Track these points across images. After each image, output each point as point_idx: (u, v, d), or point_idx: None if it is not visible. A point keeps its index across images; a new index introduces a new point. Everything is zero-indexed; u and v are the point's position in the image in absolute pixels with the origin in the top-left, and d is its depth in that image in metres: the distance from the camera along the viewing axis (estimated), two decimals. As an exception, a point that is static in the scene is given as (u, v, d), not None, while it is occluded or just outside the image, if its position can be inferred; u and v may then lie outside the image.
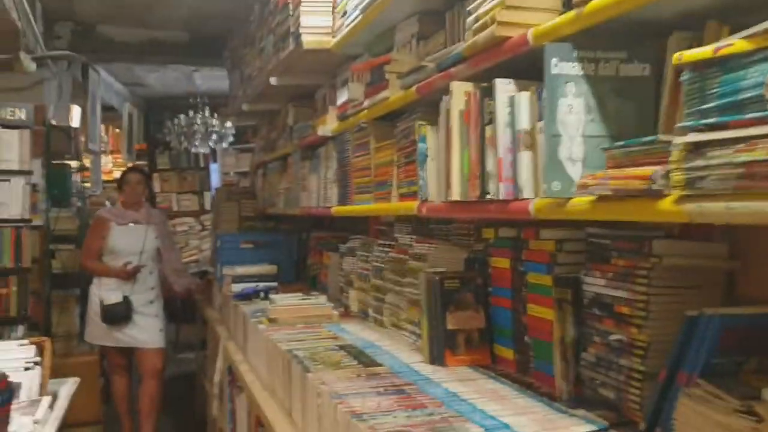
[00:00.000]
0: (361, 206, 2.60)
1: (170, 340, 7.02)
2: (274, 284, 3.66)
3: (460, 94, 1.73)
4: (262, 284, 3.65)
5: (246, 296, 3.53)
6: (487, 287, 2.00)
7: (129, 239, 4.53)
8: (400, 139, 2.24)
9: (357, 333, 2.50)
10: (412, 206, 2.06)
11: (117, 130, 10.24)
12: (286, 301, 2.83)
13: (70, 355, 5.06)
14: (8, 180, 4.23)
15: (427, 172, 1.97)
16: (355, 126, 2.65)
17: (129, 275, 4.43)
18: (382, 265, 2.61)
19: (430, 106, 2.07)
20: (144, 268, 4.53)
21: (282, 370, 2.20)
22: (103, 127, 9.30)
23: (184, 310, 7.58)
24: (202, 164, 10.46)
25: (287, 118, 4.06)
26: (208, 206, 10.27)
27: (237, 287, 3.69)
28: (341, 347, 2.22)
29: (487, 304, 1.99)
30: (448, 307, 1.97)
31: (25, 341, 3.31)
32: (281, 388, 2.24)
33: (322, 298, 2.94)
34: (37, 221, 4.85)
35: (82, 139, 6.43)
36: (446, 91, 1.85)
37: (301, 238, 4.41)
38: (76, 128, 5.47)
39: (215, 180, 10.51)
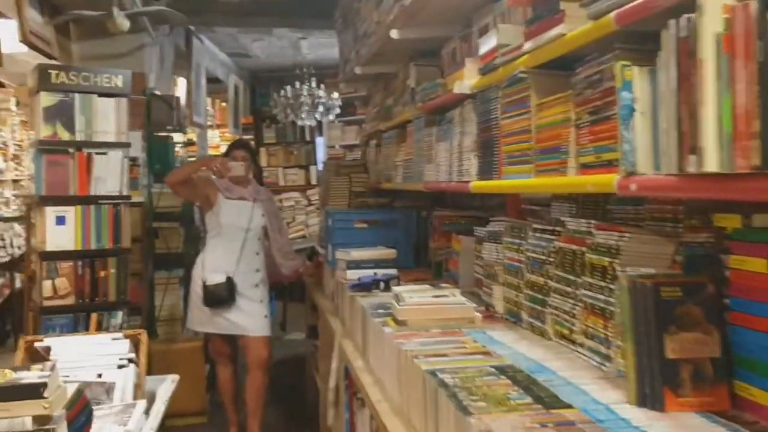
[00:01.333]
0: (515, 181, 2.02)
1: (277, 321, 6.71)
2: (395, 272, 3.13)
3: (715, 10, 1.11)
4: (381, 272, 3.13)
5: (364, 286, 3.03)
6: (723, 298, 1.39)
7: (235, 215, 4.13)
8: (582, 90, 1.64)
9: (512, 345, 1.94)
10: (607, 181, 1.45)
11: (223, 104, 10.07)
12: (416, 299, 2.29)
13: (174, 341, 4.76)
14: (105, 153, 3.90)
15: (634, 132, 1.37)
16: (507, 78, 2.06)
17: (217, 166, 4.02)
18: (544, 257, 2.03)
19: (632, 41, 1.47)
20: (249, 247, 4.14)
21: (424, 399, 1.67)
22: (209, 100, 9.07)
23: (292, 289, 7.25)
24: (308, 138, 10.11)
25: (407, 79, 3.51)
26: (314, 180, 9.94)
27: (353, 275, 3.20)
28: (500, 370, 1.66)
29: (722, 323, 1.38)
30: (667, 326, 1.38)
31: (119, 335, 2.94)
32: (422, 420, 1.71)
33: (459, 295, 2.39)
34: (138, 198, 4.54)
35: (187, 112, 6.13)
36: (668, 14, 1.24)
37: (421, 217, 3.87)
38: (178, 98, 5.13)
39: (321, 154, 10.14)
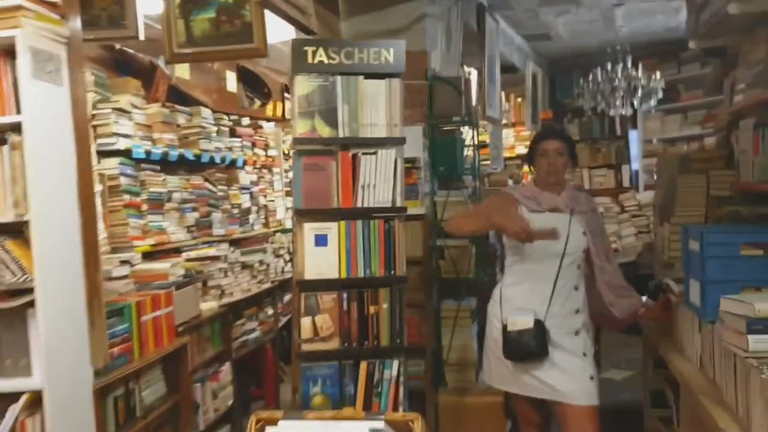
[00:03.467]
0: None
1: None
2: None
3: None
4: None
5: None
6: None
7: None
8: None
9: None
10: None
11: (518, 99, 9.00)
12: None
13: (466, 392, 3.71)
14: (374, 152, 2.96)
15: None
16: None
17: (524, 232, 2.81)
18: None
19: None
20: (565, 279, 2.93)
21: None
22: (503, 94, 7.98)
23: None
24: (618, 132, 8.56)
25: None
26: (626, 182, 8.39)
27: (759, 343, 1.83)
28: None
29: None
30: None
31: (379, 424, 1.92)
32: None
33: None
34: (416, 209, 3.56)
35: (479, 104, 5.10)
36: None
37: None
38: (468, 81, 4.07)
39: (634, 150, 8.53)
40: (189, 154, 4.26)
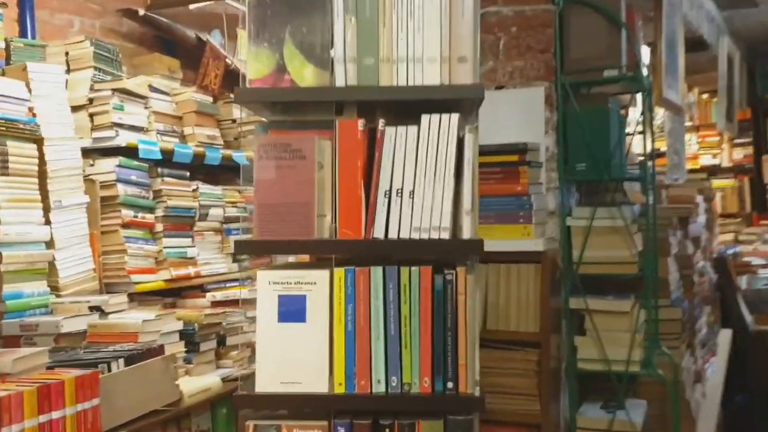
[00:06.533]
0: None
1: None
2: None
3: None
4: None
5: None
6: None
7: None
8: None
9: None
10: None
11: (704, 96, 7.08)
12: None
13: None
14: (413, 123, 1.34)
15: None
16: None
17: None
18: None
19: None
20: None
21: None
22: (685, 85, 5.99)
23: None
24: None
25: None
26: None
27: None
28: None
29: None
30: None
31: None
32: None
33: None
34: (526, 242, 1.91)
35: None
36: None
37: None
38: (630, 10, 2.30)
39: None
40: (242, 158, 3.27)
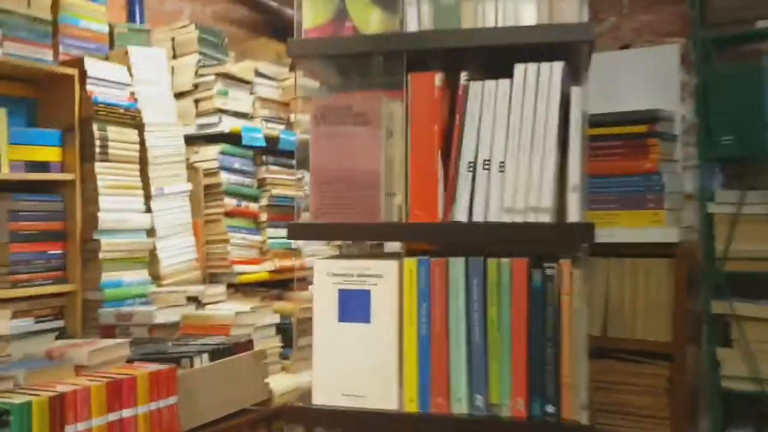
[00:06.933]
0: None
1: None
2: None
3: None
4: None
5: None
6: None
7: None
8: None
9: None
10: None
11: None
12: None
13: None
14: (505, 75, 1.06)
15: None
16: None
17: None
18: None
19: None
20: None
21: None
22: None
23: None
24: None
25: None
26: None
27: None
28: None
29: None
30: None
31: None
32: None
33: None
34: (657, 231, 1.56)
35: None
36: None
37: None
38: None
39: None
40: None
